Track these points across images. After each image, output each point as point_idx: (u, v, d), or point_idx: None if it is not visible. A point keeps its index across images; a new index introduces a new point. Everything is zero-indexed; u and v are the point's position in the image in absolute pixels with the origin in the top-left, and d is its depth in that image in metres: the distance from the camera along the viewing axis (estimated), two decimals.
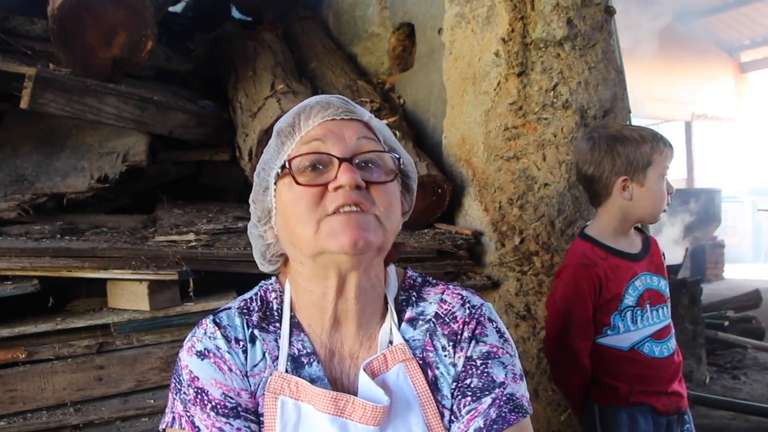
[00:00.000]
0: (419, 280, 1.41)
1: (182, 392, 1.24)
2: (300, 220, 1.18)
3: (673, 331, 2.37)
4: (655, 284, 2.33)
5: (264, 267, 1.40)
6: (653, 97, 14.33)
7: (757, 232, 16.49)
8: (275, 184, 1.26)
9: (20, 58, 3.00)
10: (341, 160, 1.18)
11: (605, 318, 2.28)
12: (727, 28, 16.53)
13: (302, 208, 1.18)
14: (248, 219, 1.38)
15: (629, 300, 2.27)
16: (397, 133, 3.12)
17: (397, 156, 1.29)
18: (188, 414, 1.21)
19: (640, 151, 2.23)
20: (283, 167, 1.23)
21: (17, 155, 2.98)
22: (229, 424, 1.20)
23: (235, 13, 5.11)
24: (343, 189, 1.16)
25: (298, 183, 1.19)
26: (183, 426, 1.21)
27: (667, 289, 2.38)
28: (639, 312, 2.28)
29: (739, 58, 17.53)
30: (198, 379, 1.23)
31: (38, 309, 2.25)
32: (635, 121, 3.29)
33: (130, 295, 2.25)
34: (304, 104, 1.29)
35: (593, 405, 2.33)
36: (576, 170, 2.42)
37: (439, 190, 2.99)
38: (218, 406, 1.21)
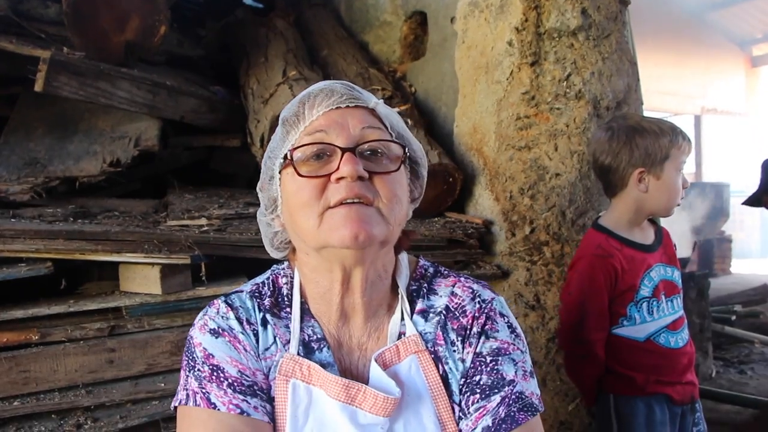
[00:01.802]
0: (431, 270, 1.39)
1: (196, 369, 1.22)
2: (303, 211, 1.18)
3: (686, 321, 2.37)
4: (669, 275, 2.33)
5: (273, 253, 1.40)
6: (663, 90, 14.23)
7: (765, 227, 16.41)
8: (280, 173, 1.25)
9: (34, 42, 3.00)
10: (344, 150, 1.17)
11: (621, 309, 2.28)
12: (739, 22, 16.38)
13: (304, 199, 1.17)
14: (259, 205, 1.37)
15: (645, 291, 2.27)
16: (409, 121, 3.12)
17: (404, 144, 1.27)
18: (204, 390, 1.20)
19: (658, 143, 2.22)
20: (285, 157, 1.22)
21: (30, 138, 2.99)
22: (246, 401, 1.19)
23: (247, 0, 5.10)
24: (345, 180, 1.15)
25: (300, 174, 1.18)
26: (198, 403, 1.19)
27: (680, 280, 2.38)
28: (655, 303, 2.28)
29: (750, 52, 17.36)
30: (213, 356, 1.22)
31: (51, 291, 2.26)
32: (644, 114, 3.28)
33: (142, 279, 2.26)
34: (309, 92, 1.27)
35: (608, 395, 2.34)
36: (592, 159, 2.41)
37: (450, 179, 2.99)
38: (235, 383, 1.20)
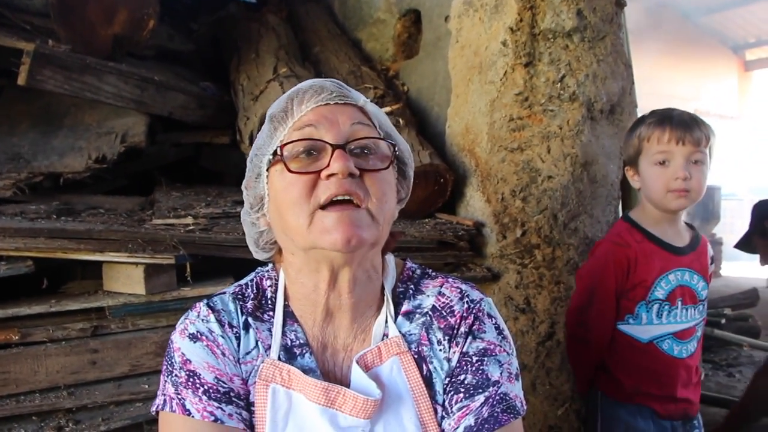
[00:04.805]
0: (418, 272, 1.39)
1: (174, 375, 1.22)
2: (292, 210, 1.16)
3: (697, 334, 2.31)
4: (692, 283, 2.27)
5: (258, 254, 1.38)
6: (656, 92, 14.24)
7: None
8: (267, 170, 1.24)
9: (19, 33, 2.93)
10: (334, 147, 1.16)
11: (630, 305, 2.26)
12: (733, 26, 16.45)
13: (294, 196, 1.16)
14: None
15: (659, 293, 2.23)
16: (400, 120, 3.08)
17: (393, 142, 1.26)
18: (179, 397, 1.20)
19: (630, 140, 2.26)
20: (275, 153, 1.20)
21: (14, 133, 2.93)
22: (221, 408, 1.19)
23: None
24: (336, 177, 1.14)
25: (290, 170, 1.16)
26: (174, 409, 1.19)
27: (705, 292, 2.31)
28: (667, 307, 2.24)
29: (744, 56, 17.46)
30: (190, 361, 1.22)
31: (32, 290, 2.21)
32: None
33: (126, 279, 2.22)
34: (298, 88, 1.26)
35: (597, 392, 2.34)
36: None
37: (441, 180, 2.96)
38: (210, 390, 1.20)
